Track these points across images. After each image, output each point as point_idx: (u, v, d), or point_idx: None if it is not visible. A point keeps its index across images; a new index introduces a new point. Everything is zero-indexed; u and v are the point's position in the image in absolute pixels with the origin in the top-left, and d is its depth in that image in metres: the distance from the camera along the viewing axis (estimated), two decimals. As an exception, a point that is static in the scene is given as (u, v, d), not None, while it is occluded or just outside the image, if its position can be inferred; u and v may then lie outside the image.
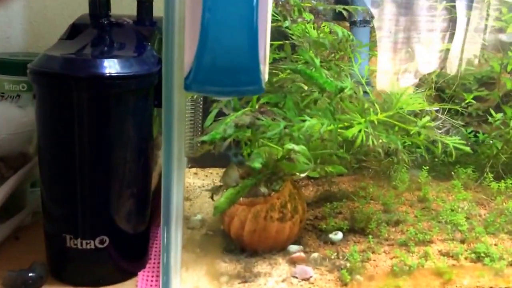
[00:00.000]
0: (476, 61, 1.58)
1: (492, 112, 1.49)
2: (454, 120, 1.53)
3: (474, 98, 1.57)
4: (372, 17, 1.58)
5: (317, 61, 1.13)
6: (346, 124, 1.09)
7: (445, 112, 1.55)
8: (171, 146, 0.89)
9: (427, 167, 1.46)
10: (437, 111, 1.54)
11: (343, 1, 1.67)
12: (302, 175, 1.10)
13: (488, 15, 1.54)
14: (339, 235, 1.23)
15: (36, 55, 1.23)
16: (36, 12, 1.79)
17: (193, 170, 1.69)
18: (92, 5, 1.26)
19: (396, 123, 1.17)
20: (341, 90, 1.08)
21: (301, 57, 1.16)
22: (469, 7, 1.56)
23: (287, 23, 1.06)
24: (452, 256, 1.15)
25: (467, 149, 1.19)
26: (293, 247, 1.20)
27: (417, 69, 1.57)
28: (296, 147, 1.05)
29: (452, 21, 1.57)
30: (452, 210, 1.31)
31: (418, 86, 1.57)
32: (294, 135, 1.07)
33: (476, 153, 1.52)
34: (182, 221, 0.95)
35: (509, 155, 1.47)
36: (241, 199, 1.15)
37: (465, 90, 1.66)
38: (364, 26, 1.63)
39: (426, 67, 1.58)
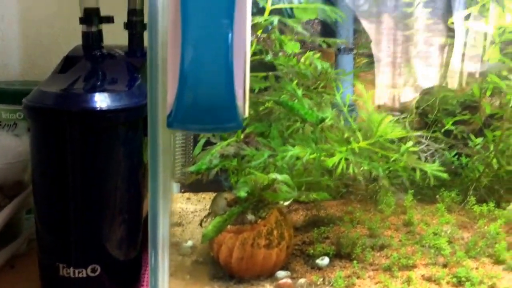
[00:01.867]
0: (477, 75, 1.55)
1: (472, 136, 1.52)
2: (438, 145, 1.56)
3: (460, 120, 1.60)
4: (352, 48, 1.62)
5: (300, 91, 1.16)
6: (329, 152, 1.12)
7: (429, 136, 1.58)
8: (157, 177, 0.92)
9: (412, 190, 1.48)
10: (421, 135, 1.57)
11: (328, 29, 1.72)
12: (286, 203, 1.13)
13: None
14: (326, 260, 1.25)
15: (33, 83, 1.27)
16: (31, 40, 1.83)
17: (186, 195, 1.72)
18: (85, 38, 1.31)
19: (378, 150, 1.20)
20: (322, 120, 1.11)
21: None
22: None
23: (268, 57, 1.09)
24: (434, 281, 1.17)
25: (445, 175, 1.22)
26: (280, 273, 1.22)
27: (417, 83, 1.58)
28: (279, 177, 1.08)
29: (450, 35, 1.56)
30: (435, 234, 1.33)
31: (402, 111, 1.60)
32: (277, 164, 1.09)
33: (460, 176, 1.55)
34: (168, 247, 0.98)
35: (491, 178, 1.50)
36: (228, 226, 1.17)
37: (449, 113, 1.69)
38: (348, 53, 1.67)
39: (426, 81, 1.58)
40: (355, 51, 1.71)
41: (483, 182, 1.50)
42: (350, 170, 1.11)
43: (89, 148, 1.08)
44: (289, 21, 1.13)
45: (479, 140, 1.51)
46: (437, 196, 1.51)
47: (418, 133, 1.54)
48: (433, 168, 1.20)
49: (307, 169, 1.16)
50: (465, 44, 1.50)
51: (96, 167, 1.08)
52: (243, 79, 0.86)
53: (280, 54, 1.11)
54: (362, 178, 1.12)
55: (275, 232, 1.19)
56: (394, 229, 1.40)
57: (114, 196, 1.12)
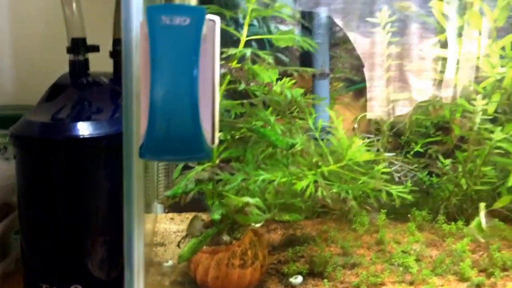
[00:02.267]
0: (471, 89, 1.56)
1: (441, 157, 1.58)
2: (409, 165, 1.62)
3: (436, 141, 1.65)
4: (328, 73, 1.69)
5: (272, 118, 1.22)
6: (298, 176, 1.17)
7: (402, 156, 1.64)
8: (132, 202, 0.97)
9: (385, 210, 1.54)
10: (393, 156, 1.63)
11: (306, 55, 1.79)
12: (258, 225, 1.18)
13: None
14: (299, 279, 1.30)
15: (24, 107, 1.33)
16: (23, 65, 1.89)
17: (170, 215, 1.76)
18: (72, 66, 1.37)
19: (347, 173, 1.26)
20: (292, 146, 1.17)
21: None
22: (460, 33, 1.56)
23: (241, 86, 1.15)
24: (401, 298, 1.22)
25: (409, 197, 1.27)
26: (255, 291, 1.27)
27: (411, 97, 1.62)
28: (251, 200, 1.13)
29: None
30: (405, 252, 1.38)
31: (376, 133, 1.66)
32: (250, 188, 1.15)
33: (431, 195, 1.61)
34: (143, 268, 1.03)
35: (460, 198, 1.55)
36: (204, 247, 1.23)
37: (422, 135, 1.75)
38: (324, 78, 1.73)
39: (420, 95, 1.61)
40: (331, 76, 1.78)
41: (453, 201, 1.54)
42: (319, 193, 1.16)
43: (72, 173, 1.14)
44: (261, 53, 1.19)
45: (448, 161, 1.56)
46: (409, 215, 1.56)
47: (389, 154, 1.61)
48: (398, 190, 1.25)
49: (279, 191, 1.21)
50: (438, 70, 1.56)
51: (79, 191, 1.14)
52: (212, 112, 0.92)
53: (252, 83, 1.16)
54: (330, 201, 1.17)
55: (249, 253, 1.24)
56: (366, 248, 1.45)
57: (96, 218, 1.18)
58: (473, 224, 1.44)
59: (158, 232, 1.65)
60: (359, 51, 1.65)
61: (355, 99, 1.88)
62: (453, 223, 1.51)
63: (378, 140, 1.65)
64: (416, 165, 1.66)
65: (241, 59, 1.26)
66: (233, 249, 1.23)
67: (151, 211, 1.67)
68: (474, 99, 1.51)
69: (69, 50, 1.38)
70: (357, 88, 1.84)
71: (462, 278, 1.29)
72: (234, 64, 1.23)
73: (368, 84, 1.64)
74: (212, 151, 0.89)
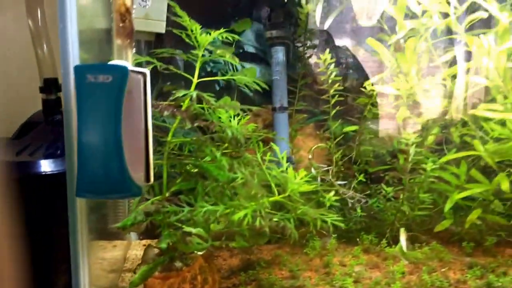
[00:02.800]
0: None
1: (384, 186, 1.67)
2: (358, 193, 1.71)
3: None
4: (286, 107, 1.78)
5: (218, 154, 1.32)
6: (238, 207, 1.26)
7: (354, 183, 1.73)
8: (76, 234, 1.07)
9: (336, 235, 1.63)
10: (344, 185, 1.73)
11: (266, 90, 1.89)
12: (200, 253, 1.27)
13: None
14: (248, 301, 1.39)
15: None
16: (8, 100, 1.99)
17: (144, 242, 1.85)
18: (45, 105, 1.48)
19: (289, 203, 1.35)
20: (233, 180, 1.26)
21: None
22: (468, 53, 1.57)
23: (188, 126, 1.25)
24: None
25: (342, 224, 1.35)
26: (206, 313, 1.35)
27: (421, 114, 1.66)
28: (194, 230, 1.23)
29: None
30: (348, 275, 1.46)
31: (329, 164, 1.76)
32: (195, 218, 1.24)
33: (379, 220, 1.69)
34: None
35: (404, 222, 1.64)
36: (157, 273, 1.32)
37: (380, 162, 1.84)
38: (283, 112, 1.83)
39: (430, 112, 1.64)
40: (291, 109, 1.88)
41: (396, 225, 1.63)
42: (257, 222, 1.25)
43: (34, 205, 1.24)
44: (205, 95, 1.29)
45: (390, 189, 1.65)
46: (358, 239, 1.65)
47: (341, 183, 1.70)
48: (332, 218, 1.34)
49: (222, 221, 1.30)
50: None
51: (41, 221, 1.24)
52: (145, 154, 1.02)
53: (196, 123, 1.26)
54: (268, 229, 1.26)
55: (199, 278, 1.33)
56: (314, 271, 1.53)
57: (58, 248, 1.27)
58: (397, 247, 1.53)
59: (129, 258, 1.73)
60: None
61: (316, 130, 1.98)
62: (393, 246, 1.58)
63: (328, 171, 1.75)
64: (368, 192, 1.75)
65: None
66: (183, 274, 1.32)
67: (123, 239, 1.77)
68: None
69: (42, 90, 1.49)
70: (316, 120, 1.94)
71: (394, 299, 1.37)
72: (185, 105, 1.33)
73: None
74: (141, 189, 0.98)
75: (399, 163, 1.72)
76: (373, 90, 1.65)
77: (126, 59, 1.16)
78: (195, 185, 1.37)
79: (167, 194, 1.32)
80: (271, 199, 1.36)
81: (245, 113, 1.57)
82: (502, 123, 1.49)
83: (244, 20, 1.91)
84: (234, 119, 1.48)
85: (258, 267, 1.53)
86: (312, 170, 1.75)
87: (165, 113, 1.24)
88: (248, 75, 1.86)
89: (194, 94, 1.31)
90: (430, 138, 1.64)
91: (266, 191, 1.37)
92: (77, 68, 0.90)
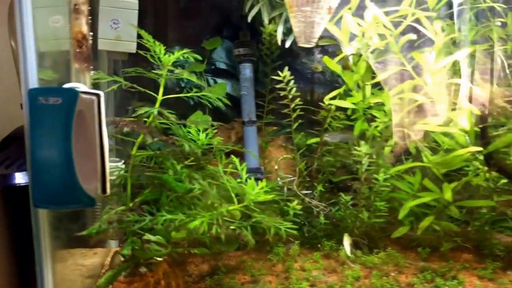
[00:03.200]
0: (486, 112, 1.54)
1: (342, 194, 1.74)
2: (324, 201, 1.79)
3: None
4: (255, 121, 1.86)
5: (178, 167, 1.40)
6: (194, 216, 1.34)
7: (317, 192, 1.81)
8: (40, 242, 1.15)
9: (298, 241, 1.71)
10: (310, 193, 1.80)
11: (238, 103, 1.98)
12: (159, 258, 1.36)
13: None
14: (210, 304, 1.47)
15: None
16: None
17: (121, 248, 1.93)
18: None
19: (247, 212, 1.43)
20: (190, 191, 1.34)
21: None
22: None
23: (149, 141, 1.34)
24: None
25: (294, 232, 1.43)
26: (170, 316, 1.43)
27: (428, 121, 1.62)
28: (152, 238, 1.31)
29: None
30: (306, 279, 1.53)
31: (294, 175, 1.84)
32: (155, 227, 1.32)
33: (341, 227, 1.77)
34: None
35: (363, 229, 1.71)
36: (123, 278, 1.40)
37: (346, 171, 1.92)
38: (251, 125, 1.92)
39: (436, 120, 1.60)
40: (259, 123, 1.97)
41: (355, 232, 1.70)
42: (213, 231, 1.32)
43: (10, 216, 1.33)
44: (165, 112, 1.37)
45: (348, 197, 1.73)
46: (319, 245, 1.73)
47: (305, 192, 1.78)
48: (287, 226, 1.42)
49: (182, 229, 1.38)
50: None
51: (18, 230, 1.33)
52: (101, 167, 1.11)
53: (156, 138, 1.35)
54: (223, 236, 1.34)
55: (162, 282, 1.41)
56: (275, 275, 1.60)
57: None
58: (342, 252, 1.60)
59: (107, 265, 1.81)
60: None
61: (286, 142, 2.06)
62: (357, 251, 1.67)
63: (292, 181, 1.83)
64: (333, 200, 1.82)
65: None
66: (147, 279, 1.40)
67: (104, 246, 1.86)
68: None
69: (22, 106, 1.58)
70: (285, 132, 2.03)
71: (346, 301, 1.44)
72: (149, 121, 1.42)
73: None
74: (94, 200, 1.07)
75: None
76: (331, 104, 1.73)
77: (84, 82, 1.25)
78: (160, 196, 1.45)
79: (131, 204, 1.41)
80: (229, 208, 1.43)
81: (214, 127, 1.66)
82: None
83: (215, 39, 2.00)
84: (202, 133, 1.57)
85: (223, 272, 1.61)
86: (278, 180, 1.83)
87: (125, 129, 1.32)
88: (218, 91, 1.95)
89: (155, 111, 1.40)
90: (387, 150, 1.71)
91: (226, 200, 1.46)
92: (30, 91, 0.99)
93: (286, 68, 1.74)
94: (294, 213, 1.72)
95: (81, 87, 1.13)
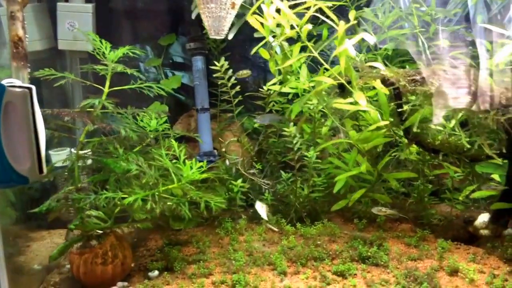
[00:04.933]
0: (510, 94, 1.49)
1: (282, 173, 1.87)
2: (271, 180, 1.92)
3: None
4: (208, 108, 2.00)
5: (121, 150, 1.56)
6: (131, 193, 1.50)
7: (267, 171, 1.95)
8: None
9: (245, 217, 1.85)
10: (254, 173, 1.94)
11: (191, 92, 2.12)
12: (99, 231, 1.52)
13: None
14: (155, 273, 1.62)
15: None
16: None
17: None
18: None
19: (179, 191, 1.58)
20: (128, 171, 1.50)
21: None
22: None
23: (90, 128, 1.51)
24: (223, 283, 1.51)
25: (223, 205, 1.58)
26: (119, 284, 1.59)
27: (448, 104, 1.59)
28: (94, 213, 1.47)
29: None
30: (246, 250, 1.68)
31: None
32: (97, 204, 1.49)
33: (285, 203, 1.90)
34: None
35: (305, 203, 1.84)
36: (76, 250, 1.57)
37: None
38: (204, 112, 2.06)
39: (457, 103, 1.55)
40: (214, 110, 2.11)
41: (295, 206, 1.83)
42: (148, 206, 1.47)
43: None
44: (106, 103, 1.53)
45: (288, 175, 1.86)
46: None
47: (251, 171, 1.91)
48: (215, 200, 1.56)
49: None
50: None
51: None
52: (36, 151, 1.27)
53: (96, 126, 1.51)
54: (158, 211, 1.48)
55: (109, 253, 1.57)
56: (219, 247, 1.75)
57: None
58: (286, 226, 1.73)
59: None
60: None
61: (240, 127, 2.20)
62: (298, 223, 1.80)
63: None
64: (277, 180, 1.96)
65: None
66: (95, 251, 1.56)
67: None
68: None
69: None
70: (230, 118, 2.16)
71: (274, 268, 1.57)
72: (97, 112, 1.58)
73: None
74: (27, 179, 1.23)
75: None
76: (270, 90, 1.86)
77: (22, 78, 1.40)
78: (107, 177, 1.62)
79: (79, 185, 1.57)
80: (168, 187, 1.58)
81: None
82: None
83: (170, 35, 2.15)
84: (154, 120, 1.73)
85: (174, 246, 1.76)
86: (227, 161, 1.97)
87: (66, 118, 1.49)
88: (173, 82, 2.10)
89: (97, 101, 1.56)
90: (325, 129, 1.84)
91: (168, 180, 1.61)
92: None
93: (223, 58, 1.88)
94: (240, 190, 1.87)
95: (16, 82, 1.30)
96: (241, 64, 2.19)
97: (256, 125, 2.01)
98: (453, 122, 1.51)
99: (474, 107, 1.41)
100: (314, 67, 1.89)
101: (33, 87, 1.28)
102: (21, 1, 1.34)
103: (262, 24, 1.70)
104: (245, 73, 1.89)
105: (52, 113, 1.51)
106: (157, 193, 1.53)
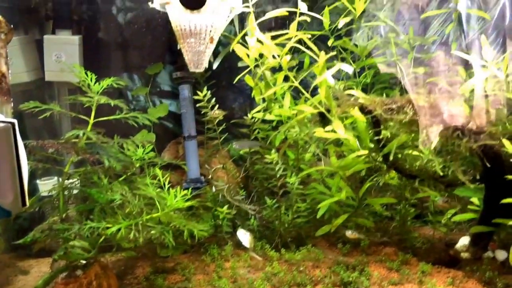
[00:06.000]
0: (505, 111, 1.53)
1: (267, 199, 1.89)
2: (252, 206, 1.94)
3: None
4: (195, 135, 2.03)
5: (105, 180, 1.58)
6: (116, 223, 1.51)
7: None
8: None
9: (231, 242, 1.87)
10: (241, 199, 1.96)
11: (178, 120, 2.15)
12: (83, 261, 1.53)
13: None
14: (141, 300, 1.63)
15: None
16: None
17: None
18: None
19: (164, 220, 1.59)
20: (111, 201, 1.52)
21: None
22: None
23: (75, 159, 1.53)
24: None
25: (205, 234, 1.59)
26: (104, 312, 1.60)
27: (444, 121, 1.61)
28: (77, 243, 1.48)
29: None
30: (230, 277, 1.69)
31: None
32: (81, 234, 1.50)
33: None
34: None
35: (290, 228, 1.86)
36: (61, 280, 1.58)
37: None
38: (191, 140, 2.09)
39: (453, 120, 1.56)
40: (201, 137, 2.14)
41: (279, 232, 1.85)
42: (131, 235, 1.49)
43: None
44: (91, 134, 1.56)
45: (272, 202, 1.88)
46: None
47: (236, 197, 1.93)
48: (199, 228, 1.57)
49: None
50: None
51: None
52: (19, 184, 1.29)
53: (80, 157, 1.53)
54: (141, 240, 1.50)
55: (94, 283, 1.58)
56: (205, 274, 1.75)
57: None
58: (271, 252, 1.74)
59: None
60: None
61: (226, 154, 2.22)
62: (282, 249, 1.82)
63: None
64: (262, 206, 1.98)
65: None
66: (80, 280, 1.57)
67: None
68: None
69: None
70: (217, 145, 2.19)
71: (258, 294, 1.59)
72: (82, 144, 1.60)
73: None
74: (9, 212, 1.25)
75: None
76: (254, 117, 1.90)
77: (5, 112, 1.43)
78: (92, 207, 1.63)
79: (63, 215, 1.59)
80: (152, 215, 1.60)
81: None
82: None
83: (157, 64, 2.19)
84: (140, 149, 1.75)
85: (160, 274, 1.77)
86: (213, 188, 1.99)
87: (50, 149, 1.51)
88: (161, 110, 2.13)
89: (81, 133, 1.59)
90: (308, 155, 1.86)
91: (152, 208, 1.63)
92: None
93: (205, 87, 1.91)
94: (226, 217, 1.89)
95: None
96: (226, 91, 2.22)
97: (241, 152, 2.04)
98: (428, 149, 1.54)
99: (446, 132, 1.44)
100: (296, 94, 1.92)
101: (16, 121, 1.30)
102: (4, 38, 1.37)
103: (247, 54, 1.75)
104: (218, 113, 1.93)
105: (37, 144, 1.54)
106: (140, 222, 1.55)
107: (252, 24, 1.65)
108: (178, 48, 1.95)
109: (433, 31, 1.86)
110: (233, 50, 1.78)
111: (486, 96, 1.45)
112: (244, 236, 1.73)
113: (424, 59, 1.77)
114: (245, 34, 1.72)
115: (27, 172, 1.33)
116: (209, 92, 2.01)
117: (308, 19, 1.71)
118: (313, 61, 2.00)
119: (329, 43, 1.62)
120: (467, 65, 1.68)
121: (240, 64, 1.85)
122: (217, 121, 1.95)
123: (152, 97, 2.22)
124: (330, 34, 1.89)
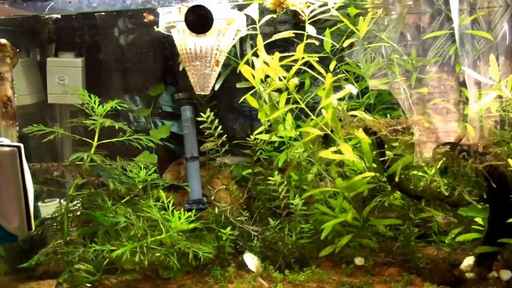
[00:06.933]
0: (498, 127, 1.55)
1: (270, 220, 1.89)
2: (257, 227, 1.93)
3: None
4: (197, 157, 2.02)
5: (109, 203, 1.57)
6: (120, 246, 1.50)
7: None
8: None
9: (234, 264, 1.85)
10: (243, 220, 1.95)
11: (178, 140, 2.15)
12: (88, 285, 1.52)
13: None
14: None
15: None
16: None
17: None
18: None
19: (168, 241, 1.58)
20: (116, 224, 1.51)
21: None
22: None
23: (80, 181, 1.52)
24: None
25: (210, 255, 1.58)
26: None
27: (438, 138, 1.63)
28: (82, 266, 1.47)
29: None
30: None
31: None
32: (86, 257, 1.49)
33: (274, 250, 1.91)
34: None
35: (294, 249, 1.85)
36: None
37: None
38: (193, 161, 2.09)
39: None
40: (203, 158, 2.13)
41: (283, 253, 1.84)
42: (136, 258, 1.48)
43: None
44: (94, 156, 1.55)
45: (275, 223, 1.87)
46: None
47: (239, 218, 1.92)
48: (203, 250, 1.57)
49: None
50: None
51: None
52: (25, 208, 1.28)
53: (84, 180, 1.53)
54: (146, 262, 1.49)
55: (96, 306, 1.57)
56: (215, 296, 1.75)
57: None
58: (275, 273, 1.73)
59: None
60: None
61: (228, 174, 2.21)
62: (286, 270, 1.80)
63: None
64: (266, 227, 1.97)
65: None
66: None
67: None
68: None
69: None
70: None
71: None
72: (86, 166, 1.60)
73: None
74: (15, 236, 1.24)
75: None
76: (257, 139, 1.90)
77: (11, 136, 1.43)
78: (96, 229, 1.63)
79: (68, 238, 1.58)
80: (156, 238, 1.59)
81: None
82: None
83: (159, 86, 2.20)
84: (143, 170, 1.75)
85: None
86: (216, 209, 1.98)
87: (55, 173, 1.51)
88: (163, 132, 2.14)
89: (85, 155, 1.59)
90: (310, 176, 1.86)
91: (157, 230, 1.62)
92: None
93: (208, 109, 1.92)
94: (229, 238, 1.88)
95: (5, 141, 1.32)
96: (228, 112, 2.23)
97: (245, 173, 2.03)
98: (433, 169, 1.54)
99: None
100: (298, 114, 1.92)
101: (21, 145, 1.30)
102: (10, 62, 1.37)
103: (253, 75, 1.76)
104: (210, 145, 1.95)
105: (41, 167, 1.54)
106: (145, 245, 1.55)
107: (260, 45, 1.66)
108: (180, 69, 1.98)
109: (433, 53, 1.88)
110: (232, 71, 1.79)
111: (491, 116, 1.46)
112: (252, 261, 1.72)
113: (426, 79, 1.78)
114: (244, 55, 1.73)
115: (32, 195, 1.33)
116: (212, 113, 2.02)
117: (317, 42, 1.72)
118: (313, 81, 2.03)
119: (332, 64, 1.63)
120: (465, 86, 1.70)
121: (238, 85, 1.86)
122: (220, 142, 1.95)
123: (153, 118, 2.22)
124: (332, 56, 1.91)
